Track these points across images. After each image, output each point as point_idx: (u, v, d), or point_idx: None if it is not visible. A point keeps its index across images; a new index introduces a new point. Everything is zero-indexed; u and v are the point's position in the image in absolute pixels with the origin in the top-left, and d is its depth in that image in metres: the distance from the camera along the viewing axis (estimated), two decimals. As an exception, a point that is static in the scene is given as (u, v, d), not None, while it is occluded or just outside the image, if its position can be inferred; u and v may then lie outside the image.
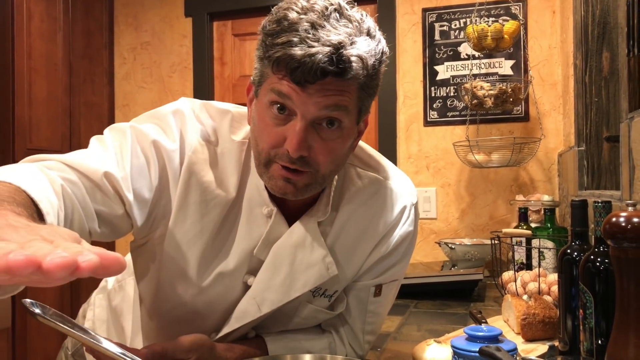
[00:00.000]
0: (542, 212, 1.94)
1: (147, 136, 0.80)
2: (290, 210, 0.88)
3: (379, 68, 0.77)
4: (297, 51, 0.70)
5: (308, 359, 0.74)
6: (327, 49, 0.70)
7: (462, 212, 2.34)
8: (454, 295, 1.68)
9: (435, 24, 2.38)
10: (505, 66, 2.29)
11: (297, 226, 0.87)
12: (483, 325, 0.90)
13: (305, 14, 0.72)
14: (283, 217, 0.86)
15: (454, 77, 2.35)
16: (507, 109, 2.21)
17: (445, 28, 2.37)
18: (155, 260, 0.85)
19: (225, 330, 0.88)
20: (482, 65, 2.30)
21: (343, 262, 0.90)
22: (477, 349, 0.82)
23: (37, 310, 0.66)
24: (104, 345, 0.65)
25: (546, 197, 2.03)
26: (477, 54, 2.26)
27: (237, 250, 0.85)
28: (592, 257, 0.92)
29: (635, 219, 0.72)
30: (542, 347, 1.05)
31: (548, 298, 1.30)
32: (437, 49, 2.38)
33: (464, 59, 2.34)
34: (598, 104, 1.63)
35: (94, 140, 0.82)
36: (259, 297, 0.86)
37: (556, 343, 0.99)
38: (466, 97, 2.11)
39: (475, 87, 2.08)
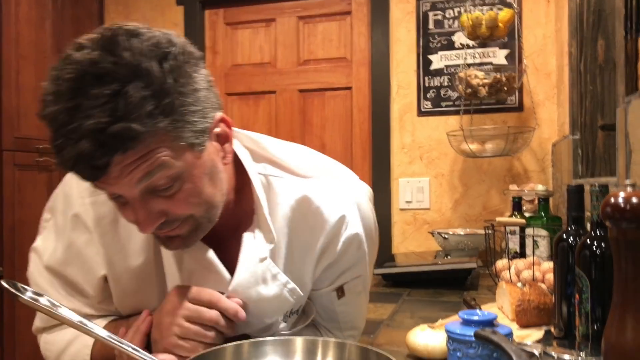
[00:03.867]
0: (536, 201, 1.93)
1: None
2: (220, 236, 0.82)
3: (163, 86, 0.63)
4: (66, 155, 0.62)
5: (300, 341, 0.73)
6: (87, 141, 0.60)
7: (456, 202, 2.33)
8: (447, 285, 1.67)
9: (429, 12, 2.36)
10: (499, 56, 2.27)
11: (244, 265, 0.80)
12: (478, 310, 0.89)
13: (57, 99, 0.62)
14: (205, 249, 0.80)
15: (448, 66, 2.34)
16: (501, 99, 2.20)
17: (439, 17, 2.35)
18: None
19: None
20: (477, 55, 2.29)
21: (297, 281, 0.86)
22: (472, 333, 0.81)
23: (17, 292, 0.64)
24: (89, 326, 0.63)
25: (540, 187, 2.02)
26: (471, 43, 2.24)
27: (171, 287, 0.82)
28: (588, 241, 0.91)
29: (635, 199, 0.70)
30: (536, 333, 1.04)
31: (542, 286, 1.29)
32: (431, 38, 2.36)
33: (458, 49, 2.32)
34: (593, 92, 1.62)
35: None
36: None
37: (552, 329, 0.98)
38: (460, 86, 2.09)
39: (469, 76, 2.06)
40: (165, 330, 0.75)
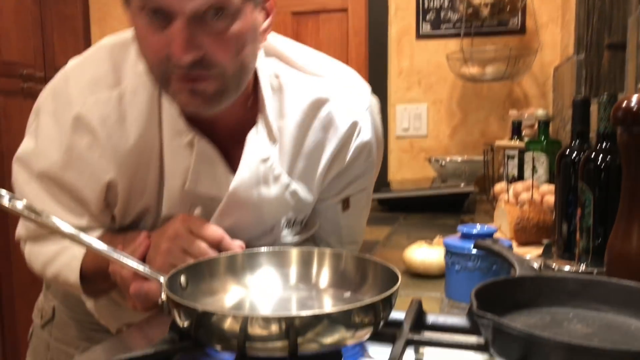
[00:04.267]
0: (536, 126, 1.89)
1: None
2: (222, 135, 0.78)
3: None
4: None
5: (295, 251, 0.70)
6: None
7: (454, 129, 2.28)
8: (444, 210, 1.66)
9: None
10: (503, -26, 2.16)
11: (246, 164, 0.78)
12: (477, 225, 0.87)
13: None
14: (210, 145, 0.77)
15: (448, -14, 2.23)
16: (504, 19, 2.11)
17: None
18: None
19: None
20: (479, -26, 2.17)
21: (302, 185, 0.84)
22: (471, 246, 0.79)
23: (5, 199, 0.60)
24: (82, 237, 0.60)
25: (540, 111, 1.97)
26: (474, -40, 2.13)
27: (169, 187, 0.78)
28: (593, 155, 0.87)
29: (648, 103, 0.66)
30: (535, 251, 1.02)
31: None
32: (431, -44, 2.24)
33: (460, -33, 2.20)
34: (601, 9, 1.54)
35: None
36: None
37: (551, 244, 0.97)
38: (461, 6, 2.00)
39: (471, -5, 1.97)
40: (161, 254, 0.72)
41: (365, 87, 0.88)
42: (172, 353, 0.56)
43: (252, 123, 0.80)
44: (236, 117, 0.78)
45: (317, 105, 0.82)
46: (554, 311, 0.60)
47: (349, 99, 0.84)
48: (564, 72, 1.89)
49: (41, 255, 0.80)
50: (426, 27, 2.27)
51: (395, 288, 0.56)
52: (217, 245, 0.73)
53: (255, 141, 0.78)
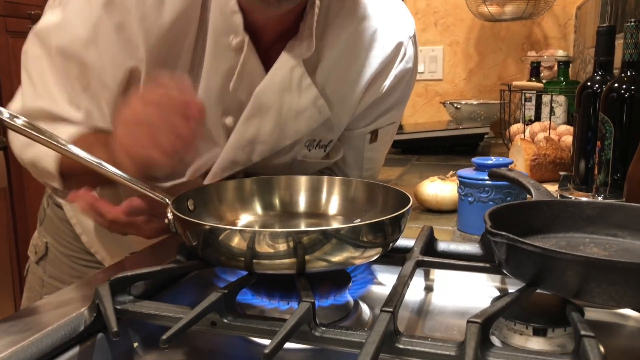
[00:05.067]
0: (555, 67, 1.83)
1: None
2: (264, 43, 0.75)
3: None
4: None
5: (304, 179, 0.69)
6: None
7: (470, 72, 2.22)
8: (458, 152, 1.63)
9: None
10: None
11: (279, 67, 0.75)
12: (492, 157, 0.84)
13: None
14: (255, 51, 0.74)
15: None
16: (526, -44, 2.01)
17: None
18: None
19: (210, 180, 0.80)
20: None
21: (335, 107, 0.81)
22: (486, 176, 0.77)
23: (5, 116, 0.58)
24: (74, 151, 0.59)
25: (560, 52, 1.91)
26: None
27: (205, 88, 0.74)
28: (616, 84, 0.84)
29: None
30: (551, 188, 1.00)
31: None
32: None
33: None
34: (630, -61, 1.46)
35: None
36: (248, 148, 0.77)
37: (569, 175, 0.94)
38: (482, -60, 1.91)
39: None
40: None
41: (412, 19, 0.86)
42: (179, 272, 0.55)
43: (294, 35, 0.77)
44: (282, 26, 0.75)
45: (363, 23, 0.80)
46: (570, 236, 0.58)
47: (395, 23, 0.83)
48: (588, 10, 1.81)
49: (21, 139, 0.72)
50: (444, -36, 2.18)
51: (405, 209, 0.54)
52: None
53: (293, 49, 0.76)
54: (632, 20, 0.81)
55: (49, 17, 0.74)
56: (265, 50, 0.76)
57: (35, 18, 2.19)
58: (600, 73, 0.92)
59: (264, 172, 0.79)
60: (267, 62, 0.76)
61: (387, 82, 0.83)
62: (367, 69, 0.81)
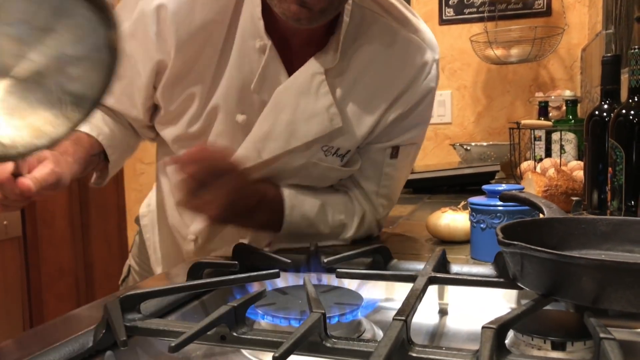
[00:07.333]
0: (563, 107, 1.84)
1: None
2: (291, 50, 0.80)
3: None
4: None
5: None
6: None
7: (479, 115, 2.24)
8: (469, 191, 1.62)
9: None
10: (527, -44, 2.12)
11: (303, 71, 0.80)
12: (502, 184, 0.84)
13: None
14: (278, 56, 0.79)
15: (471, -30, 2.20)
16: (529, 1, 2.07)
17: None
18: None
19: None
20: (503, -44, 2.13)
21: (355, 118, 0.84)
22: (497, 203, 0.77)
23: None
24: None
25: (568, 92, 1.93)
26: (497, -58, 2.09)
27: (226, 86, 0.80)
28: (624, 110, 0.84)
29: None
30: (564, 217, 0.99)
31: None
32: (453, -60, 2.21)
33: (483, -50, 2.17)
34: (630, -19, 1.50)
35: None
36: (260, 144, 0.81)
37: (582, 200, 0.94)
38: (485, -13, 1.97)
39: (494, -24, 1.94)
40: None
41: (437, 46, 0.90)
42: (188, 289, 0.55)
43: (322, 47, 0.82)
44: (312, 35, 0.80)
45: (392, 39, 0.84)
46: (584, 252, 0.57)
47: (422, 45, 0.86)
48: (593, 50, 1.84)
49: None
50: (449, 12, 2.24)
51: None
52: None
53: (319, 58, 0.80)
54: (637, 47, 0.82)
55: None
56: (293, 55, 0.81)
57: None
58: (607, 101, 0.93)
59: (281, 174, 0.84)
60: (294, 66, 0.81)
61: (412, 99, 0.86)
62: (393, 87, 0.84)
